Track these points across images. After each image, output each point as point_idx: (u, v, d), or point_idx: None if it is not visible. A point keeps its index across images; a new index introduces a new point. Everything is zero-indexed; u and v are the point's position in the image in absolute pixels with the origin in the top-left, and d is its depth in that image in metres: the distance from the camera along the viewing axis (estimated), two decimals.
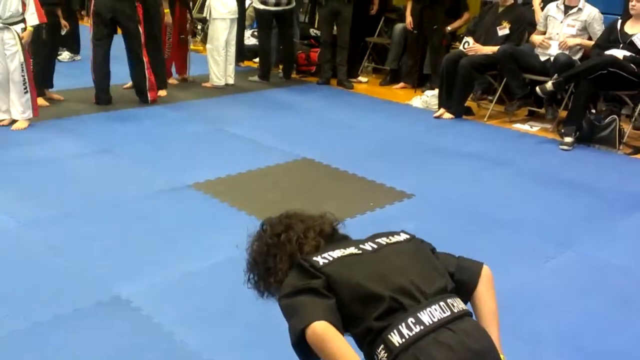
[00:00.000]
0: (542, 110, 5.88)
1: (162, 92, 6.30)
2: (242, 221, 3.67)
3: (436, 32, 6.75)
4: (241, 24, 7.09)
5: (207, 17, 6.74)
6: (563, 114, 5.67)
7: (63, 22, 5.85)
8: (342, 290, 1.39)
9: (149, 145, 4.95)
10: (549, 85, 5.33)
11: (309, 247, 1.59)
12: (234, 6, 6.69)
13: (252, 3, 7.32)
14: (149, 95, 5.99)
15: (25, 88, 5.09)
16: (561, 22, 5.66)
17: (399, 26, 7.31)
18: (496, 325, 1.43)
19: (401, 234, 1.60)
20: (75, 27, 7.03)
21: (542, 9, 5.91)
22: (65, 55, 7.54)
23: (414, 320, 1.29)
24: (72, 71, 7.08)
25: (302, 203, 3.91)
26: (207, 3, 6.71)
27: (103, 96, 5.91)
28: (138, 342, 2.55)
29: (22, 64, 5.03)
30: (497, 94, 6.11)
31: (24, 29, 5.02)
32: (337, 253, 1.49)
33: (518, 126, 5.89)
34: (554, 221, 3.84)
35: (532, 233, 3.67)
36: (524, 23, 6.00)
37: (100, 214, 3.69)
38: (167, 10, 6.32)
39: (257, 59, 7.69)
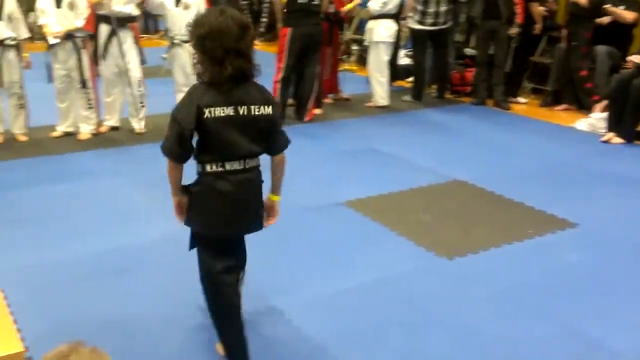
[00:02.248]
0: None
1: (318, 111, 6.47)
2: (393, 242, 3.64)
3: (575, 49, 6.29)
4: (395, 43, 7.10)
5: (368, 41, 6.82)
6: None
7: None
8: (205, 137, 2.25)
9: (304, 162, 5.06)
10: None
11: (219, 75, 2.18)
12: (394, 30, 6.72)
13: (407, 23, 7.31)
14: (306, 113, 6.18)
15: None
16: None
17: (561, 45, 6.92)
18: (280, 175, 2.49)
19: (266, 107, 2.27)
20: None
21: None
22: None
23: (221, 164, 2.28)
24: None
25: (455, 226, 3.83)
26: (367, 26, 6.80)
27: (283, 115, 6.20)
28: (282, 352, 2.60)
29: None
30: None
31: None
32: (222, 111, 2.20)
33: None
34: None
35: None
36: None
37: None
38: None
39: (410, 79, 7.65)
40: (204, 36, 2.15)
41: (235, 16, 2.16)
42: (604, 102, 5.98)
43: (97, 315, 2.83)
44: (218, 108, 2.19)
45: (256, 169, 2.37)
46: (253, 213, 2.42)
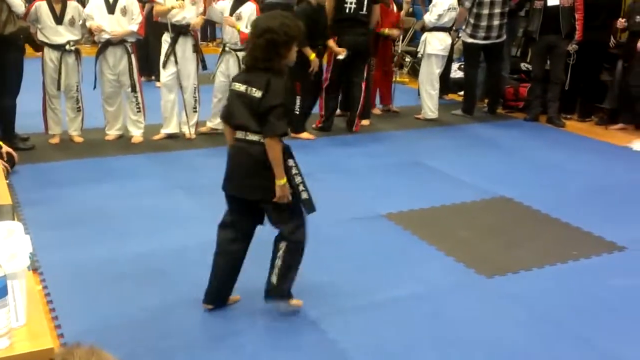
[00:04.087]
0: None
1: (365, 122, 6.46)
2: (431, 256, 3.60)
3: (633, 67, 6.03)
4: (448, 56, 7.03)
5: (421, 53, 6.78)
6: None
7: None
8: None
9: (347, 173, 5.08)
10: None
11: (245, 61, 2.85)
12: (448, 43, 6.67)
13: (460, 37, 7.23)
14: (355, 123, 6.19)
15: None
16: None
17: (621, 63, 6.69)
18: (269, 157, 2.70)
19: (257, 91, 2.67)
20: None
21: None
22: None
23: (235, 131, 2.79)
24: None
25: (497, 243, 3.76)
26: (422, 38, 6.77)
27: (330, 124, 6.22)
28: None
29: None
30: None
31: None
32: (239, 86, 2.74)
33: None
34: None
35: None
36: None
37: None
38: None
39: (461, 92, 7.56)
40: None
41: (274, 20, 2.70)
42: None
43: (134, 314, 2.90)
44: (237, 84, 2.76)
45: (258, 144, 2.70)
46: (249, 181, 2.77)
